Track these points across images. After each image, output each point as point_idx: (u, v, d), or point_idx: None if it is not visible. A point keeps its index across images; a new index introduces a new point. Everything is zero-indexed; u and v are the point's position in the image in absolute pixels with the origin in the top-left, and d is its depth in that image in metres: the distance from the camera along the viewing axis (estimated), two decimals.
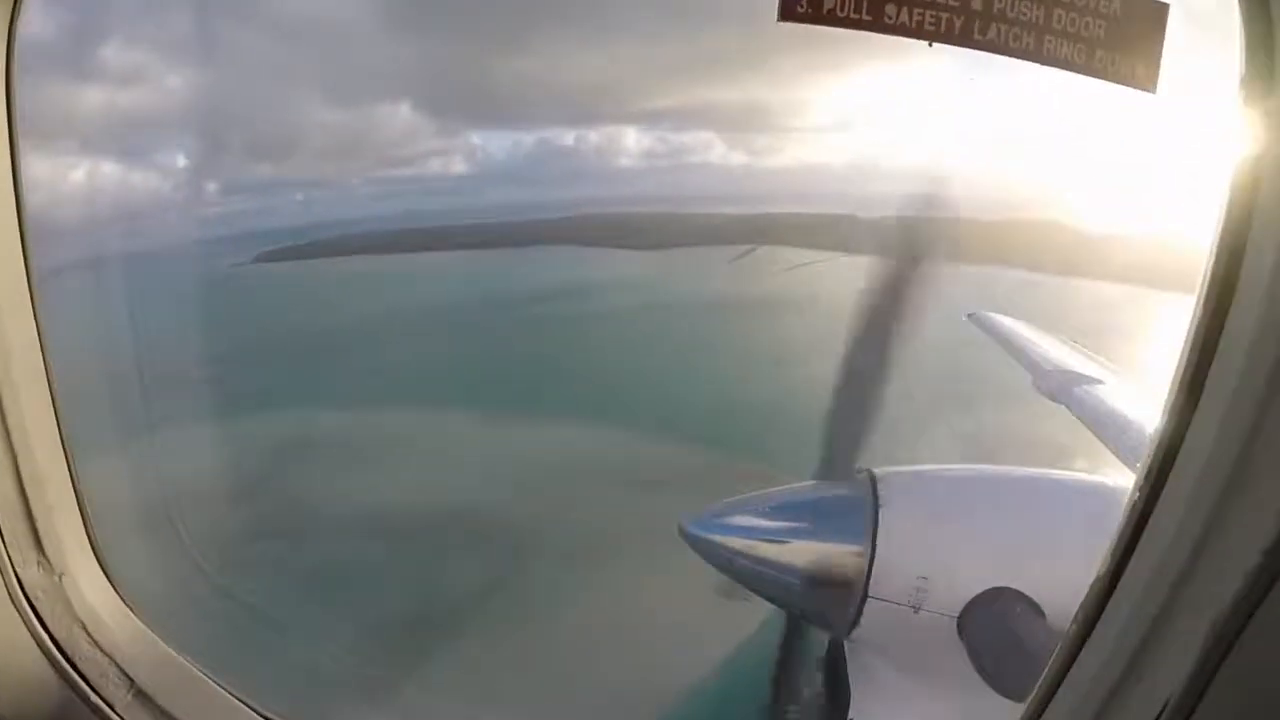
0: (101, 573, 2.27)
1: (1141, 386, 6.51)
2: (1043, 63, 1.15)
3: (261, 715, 2.18)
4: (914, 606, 3.19)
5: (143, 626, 2.28)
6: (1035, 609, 3.06)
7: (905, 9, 1.15)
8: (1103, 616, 1.35)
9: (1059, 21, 1.14)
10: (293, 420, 21.16)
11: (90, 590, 2.22)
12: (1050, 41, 1.14)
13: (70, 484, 2.19)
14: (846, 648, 3.61)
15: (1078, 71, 1.15)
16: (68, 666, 2.12)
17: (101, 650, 2.17)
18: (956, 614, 3.13)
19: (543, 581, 13.75)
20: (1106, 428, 5.64)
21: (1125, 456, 5.14)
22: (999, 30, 1.14)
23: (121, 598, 2.29)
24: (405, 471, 18.17)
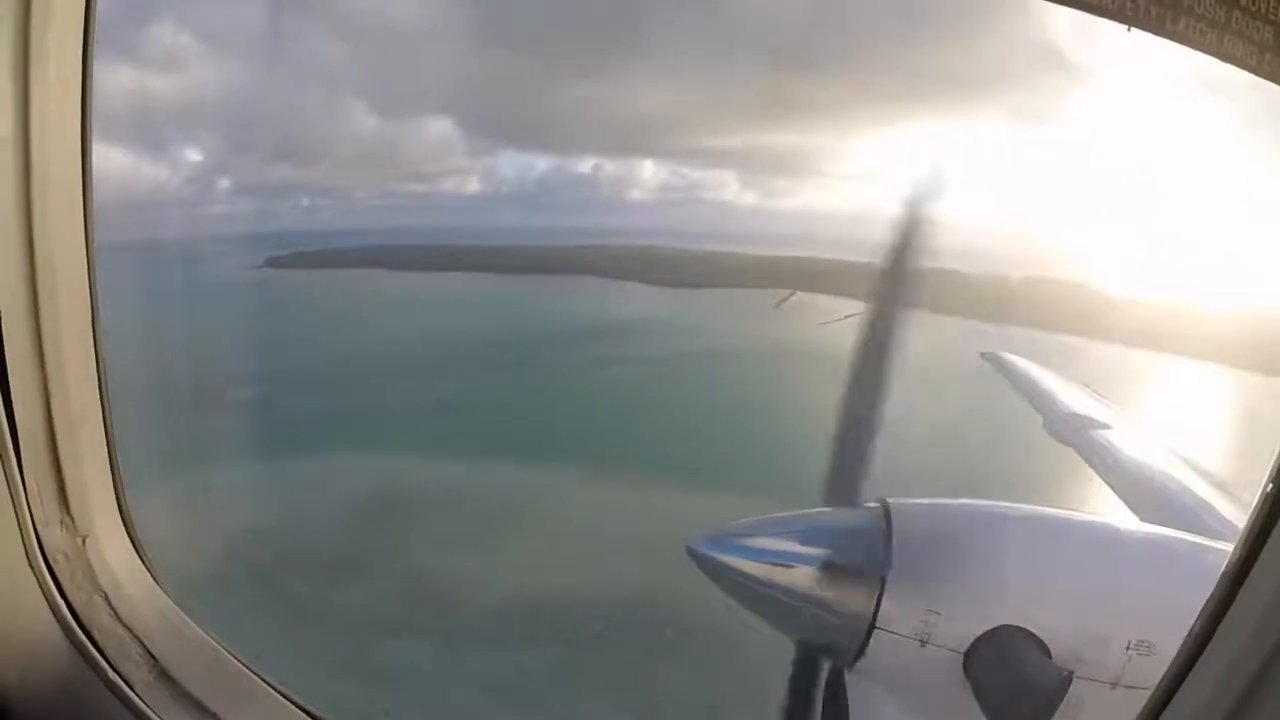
0: (128, 539, 2.10)
1: (1151, 431, 6.60)
2: (1222, 59, 1.15)
3: (298, 707, 2.04)
4: (921, 640, 3.15)
5: (170, 602, 2.12)
6: (1042, 648, 3.02)
7: None
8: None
9: (1236, 22, 1.14)
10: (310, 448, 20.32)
11: (115, 557, 2.04)
12: (1229, 41, 1.15)
13: (105, 438, 2.03)
14: (848, 678, 3.52)
15: (1250, 71, 1.15)
16: (84, 639, 1.94)
17: (123, 624, 1.99)
18: (963, 650, 3.09)
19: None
20: (1114, 471, 5.67)
21: (1132, 500, 5.16)
22: (1187, 24, 1.17)
23: (149, 568, 2.13)
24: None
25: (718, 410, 23.98)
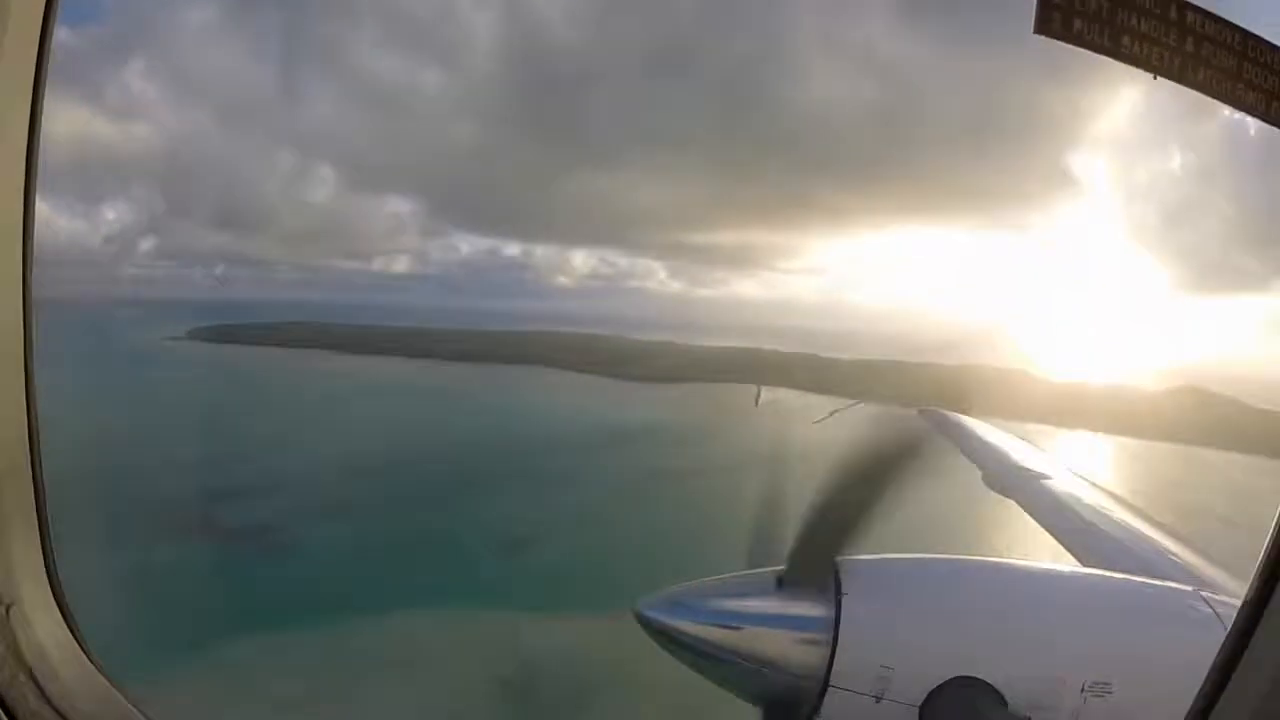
0: (58, 609, 1.89)
1: (1087, 479, 6.59)
2: (1235, 107, 1.26)
3: None
4: (876, 696, 3.08)
5: (104, 680, 1.90)
6: (998, 698, 3.00)
7: (1138, 42, 1.30)
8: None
9: (1247, 73, 1.26)
10: None
11: (43, 628, 1.83)
12: (1241, 90, 1.26)
13: (34, 499, 1.83)
14: None
15: (1259, 118, 1.26)
16: None
17: (51, 705, 1.77)
18: (919, 703, 3.05)
19: None
20: (1055, 520, 5.79)
21: (1075, 547, 5.26)
22: (1205, 75, 1.28)
23: (79, 641, 1.91)
24: None
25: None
